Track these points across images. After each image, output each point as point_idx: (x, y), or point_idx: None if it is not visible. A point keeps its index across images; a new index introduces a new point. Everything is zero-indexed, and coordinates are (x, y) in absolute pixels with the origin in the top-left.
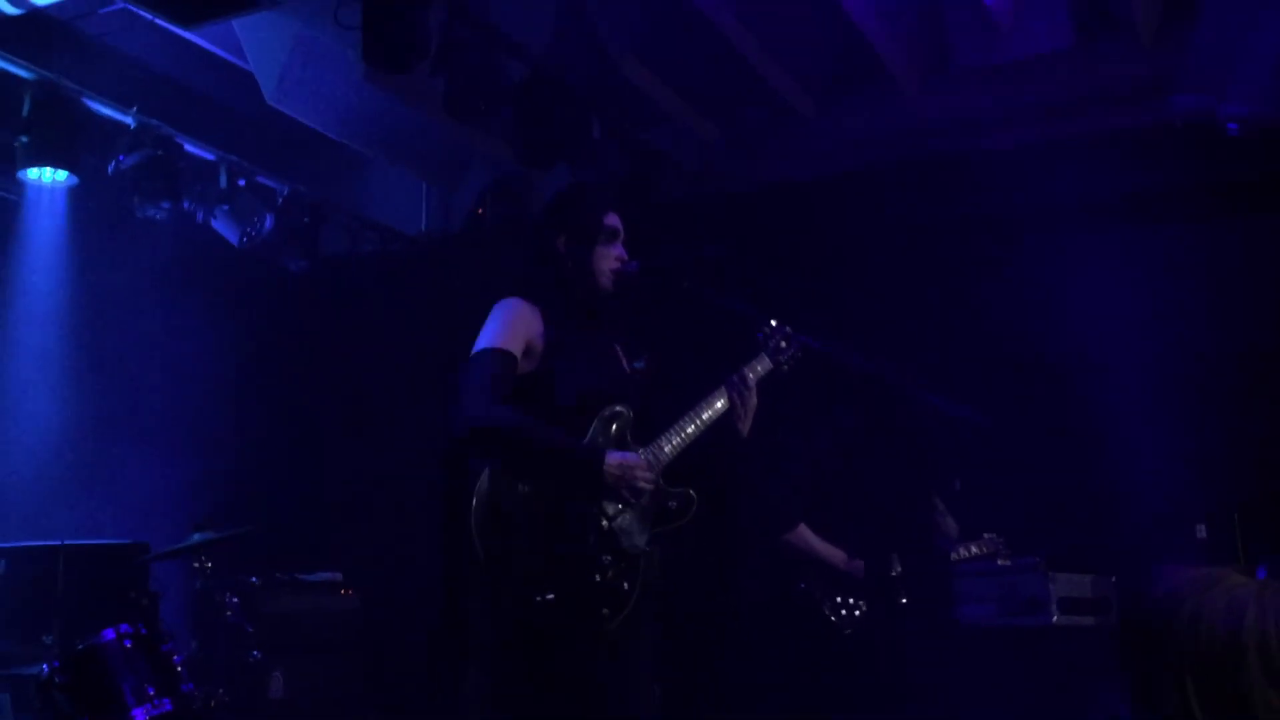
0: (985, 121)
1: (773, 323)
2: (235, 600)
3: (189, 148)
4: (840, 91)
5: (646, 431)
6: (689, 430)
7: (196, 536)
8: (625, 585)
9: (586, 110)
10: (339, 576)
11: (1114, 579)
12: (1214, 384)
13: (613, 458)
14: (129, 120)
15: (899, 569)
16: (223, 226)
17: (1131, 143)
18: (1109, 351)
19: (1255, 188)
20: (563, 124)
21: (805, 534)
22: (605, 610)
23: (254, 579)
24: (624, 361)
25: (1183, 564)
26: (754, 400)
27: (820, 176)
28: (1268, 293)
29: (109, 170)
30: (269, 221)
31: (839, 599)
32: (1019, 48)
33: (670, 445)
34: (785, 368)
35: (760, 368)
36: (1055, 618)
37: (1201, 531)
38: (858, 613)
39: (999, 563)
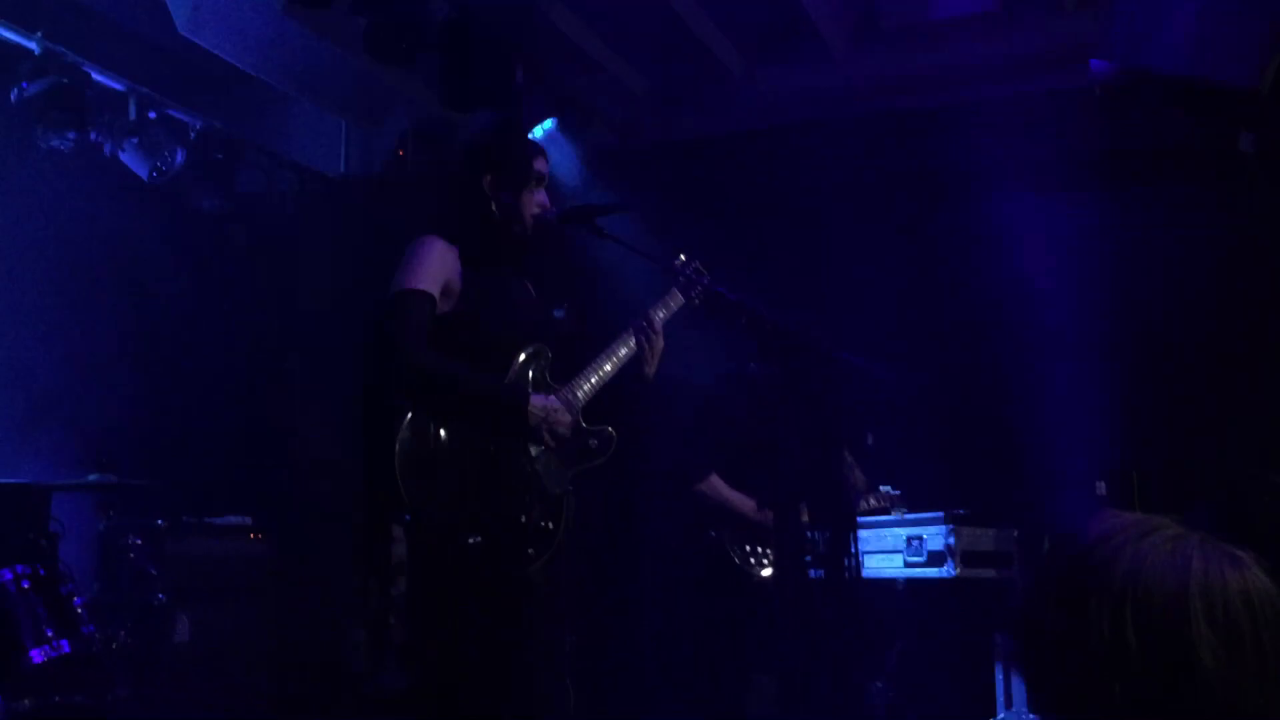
0: (911, 82)
1: (682, 256)
2: (139, 542)
3: (97, 77)
4: (770, 48)
5: (565, 373)
6: (605, 369)
7: (93, 477)
8: (550, 526)
9: (511, 55)
10: (249, 520)
11: (1016, 533)
12: (1122, 347)
13: (535, 399)
14: (33, 46)
15: (806, 520)
16: (132, 160)
17: (1052, 107)
18: (1021, 312)
19: (1173, 155)
20: (487, 68)
21: (716, 483)
22: (530, 551)
23: (160, 521)
24: (541, 303)
25: (1113, 511)
26: (660, 343)
27: (747, 132)
28: (1178, 260)
29: (11, 98)
30: (180, 156)
31: (748, 548)
32: (945, 9)
33: (588, 385)
34: (697, 301)
35: (672, 303)
36: (958, 570)
37: (1101, 489)
38: (766, 561)
39: (896, 514)
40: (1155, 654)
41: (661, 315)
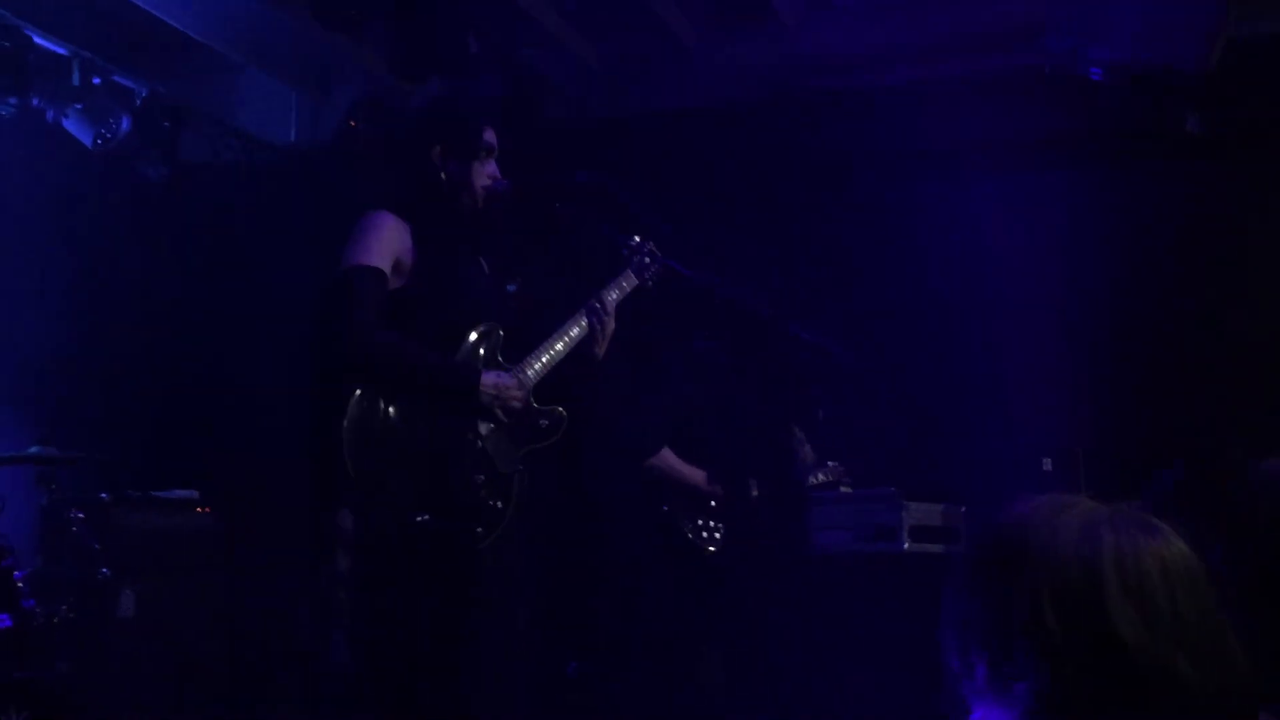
0: (863, 60)
1: (636, 238)
2: (81, 516)
3: (39, 40)
4: (723, 22)
5: (516, 351)
6: (558, 348)
7: (34, 449)
8: (499, 504)
9: (464, 24)
10: (195, 494)
11: (963, 509)
12: (1071, 326)
13: (488, 377)
14: None
15: (756, 494)
16: (75, 127)
17: (1004, 87)
18: (972, 290)
19: (1121, 135)
20: (438, 37)
21: (669, 457)
22: (479, 529)
23: (104, 495)
24: (494, 280)
25: (1033, 492)
26: (612, 325)
27: (700, 107)
28: (1126, 239)
29: None
30: (125, 124)
31: (700, 521)
32: None
33: (539, 364)
34: (650, 283)
35: (625, 284)
36: (906, 545)
37: (1048, 465)
38: (718, 535)
39: (842, 489)
40: (1075, 632)
41: (614, 296)
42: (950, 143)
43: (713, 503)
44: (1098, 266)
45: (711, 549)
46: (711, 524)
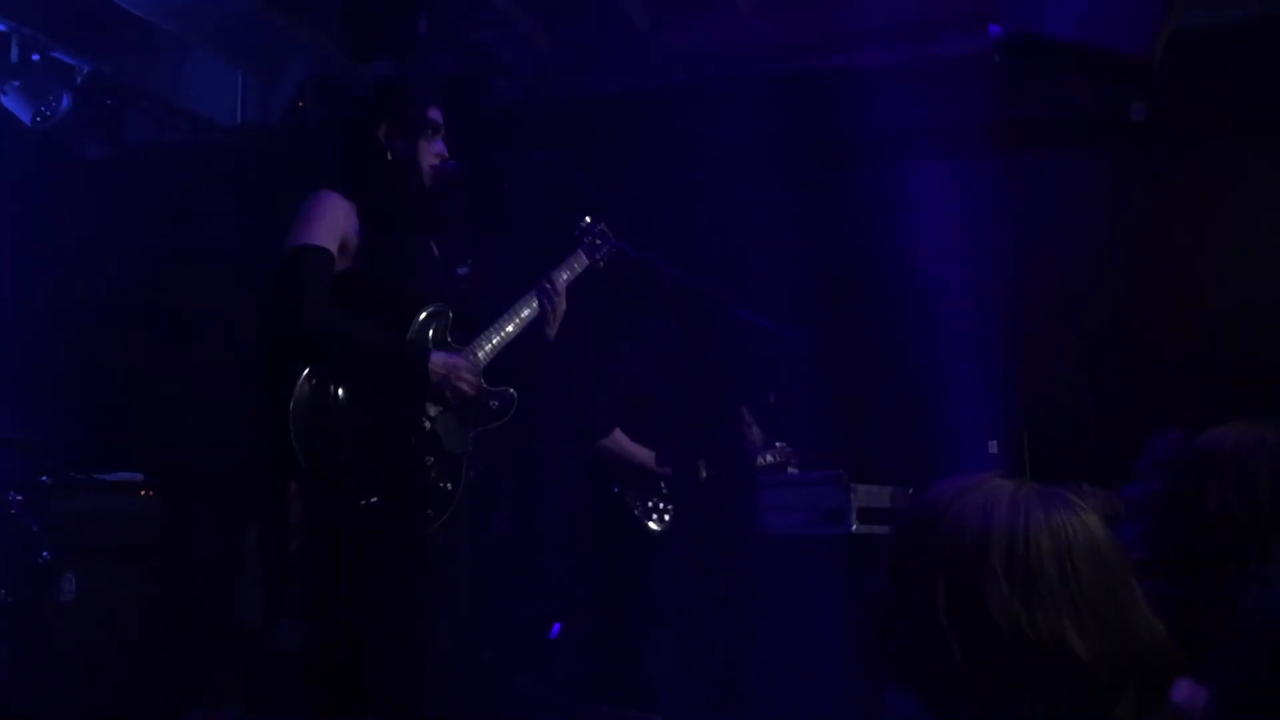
0: (815, 44)
1: (587, 219)
2: (20, 499)
3: None
4: (675, 5)
5: (466, 333)
6: (507, 330)
7: None
8: (449, 486)
9: (413, 4)
10: (139, 477)
11: (911, 490)
12: (1017, 310)
13: (437, 358)
14: None
15: (704, 476)
16: (14, 104)
17: (951, 73)
18: (920, 274)
19: (1067, 121)
20: (388, 16)
21: (619, 438)
22: (429, 511)
23: (45, 478)
24: (443, 261)
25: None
26: (563, 305)
27: (652, 90)
28: (1072, 225)
29: None
30: (66, 101)
31: (649, 503)
32: None
33: (490, 345)
34: (601, 264)
35: (577, 265)
36: (854, 527)
37: (993, 447)
38: (666, 516)
39: (790, 470)
40: (959, 611)
41: (565, 277)
42: (897, 128)
43: (662, 484)
44: (1042, 251)
45: (657, 528)
46: (660, 505)
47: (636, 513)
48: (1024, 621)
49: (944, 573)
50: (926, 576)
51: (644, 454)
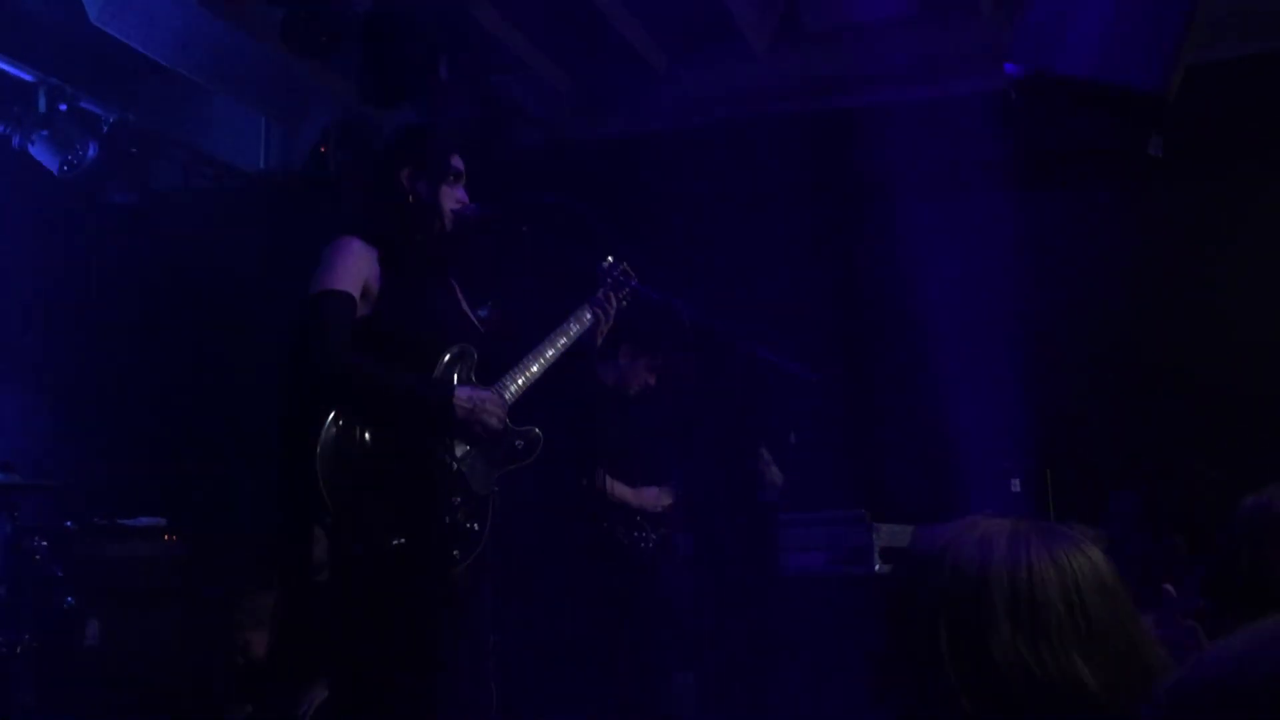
0: (831, 84)
1: (609, 259)
2: (45, 544)
3: (4, 67)
4: (692, 47)
5: (490, 374)
6: (533, 369)
7: None
8: (475, 526)
9: (434, 50)
10: (162, 521)
11: None
12: (1037, 347)
13: (462, 392)
14: None
15: (724, 518)
16: (41, 153)
17: (968, 110)
18: (940, 312)
19: (1084, 157)
20: (408, 63)
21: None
22: (455, 552)
23: (69, 523)
24: (464, 305)
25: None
26: (611, 320)
27: (670, 131)
28: (1091, 261)
29: None
30: (92, 150)
31: (636, 534)
32: (865, 11)
33: (515, 384)
34: (625, 303)
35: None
36: (877, 566)
37: (1016, 485)
38: (650, 544)
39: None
40: (960, 652)
41: (612, 299)
42: (915, 166)
43: (638, 516)
44: (1061, 287)
45: (647, 560)
46: (643, 532)
47: (625, 543)
48: (1031, 663)
49: (945, 619)
50: (927, 623)
51: (624, 491)
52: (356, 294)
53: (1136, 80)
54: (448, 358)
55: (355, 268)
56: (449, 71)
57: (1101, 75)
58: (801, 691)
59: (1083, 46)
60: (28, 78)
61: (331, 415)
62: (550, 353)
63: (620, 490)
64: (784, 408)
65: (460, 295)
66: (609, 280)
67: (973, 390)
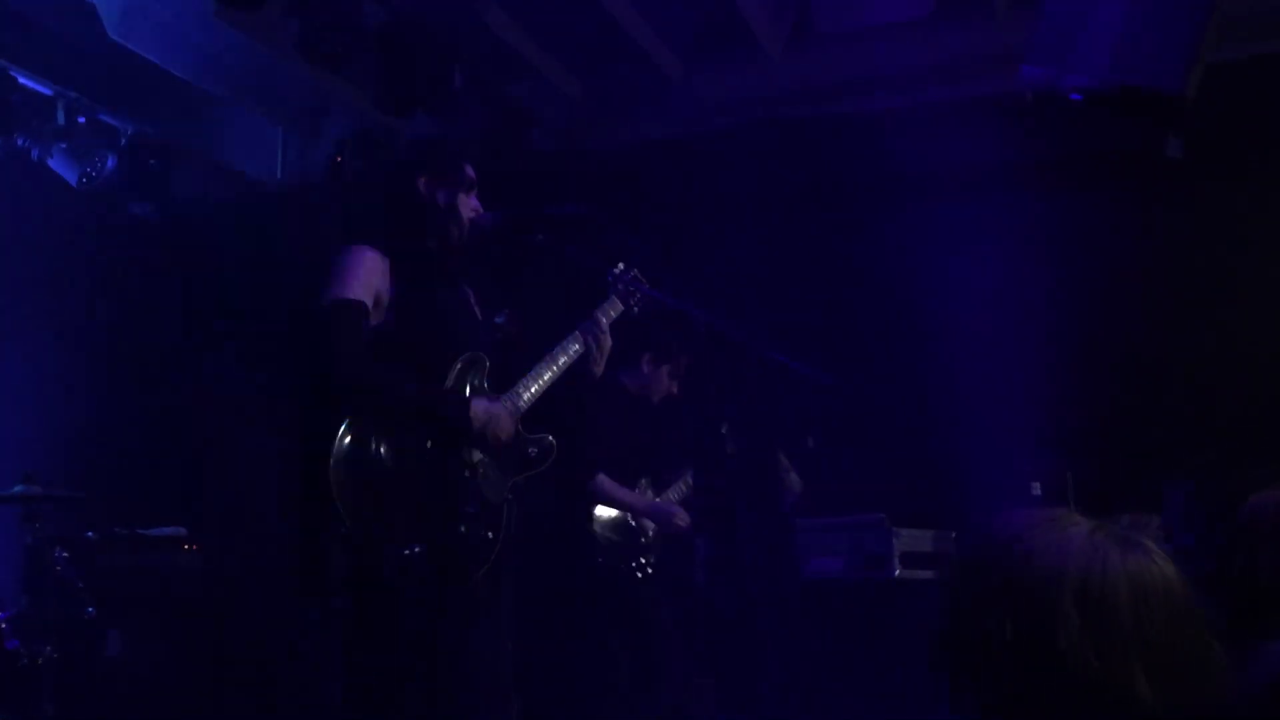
0: (845, 87)
1: (620, 266)
2: (65, 555)
3: (23, 80)
4: (705, 52)
5: (503, 381)
6: (545, 378)
7: (18, 488)
8: (490, 535)
9: (448, 59)
10: (183, 532)
11: (954, 534)
12: (1056, 349)
13: (478, 405)
14: None
15: (743, 523)
16: (60, 166)
17: (985, 114)
18: (957, 315)
19: (1101, 159)
20: (423, 72)
21: (604, 482)
22: (471, 561)
23: (90, 534)
24: (478, 313)
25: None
26: (608, 342)
27: (684, 137)
28: (1108, 263)
29: None
30: (111, 162)
31: (633, 563)
32: (879, 14)
33: (528, 393)
34: (635, 309)
35: (612, 311)
36: (897, 571)
37: (1036, 489)
38: (650, 570)
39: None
40: (1024, 644)
41: (608, 316)
42: (931, 169)
43: (642, 538)
44: (1082, 290)
45: (641, 576)
46: (643, 560)
47: (624, 571)
48: (1094, 662)
49: (1012, 606)
50: (992, 608)
51: (629, 497)
52: (368, 302)
53: (1155, 81)
54: (460, 365)
55: (366, 276)
56: (463, 80)
57: (1119, 76)
58: (822, 696)
59: (1099, 47)
60: (46, 91)
61: (345, 425)
62: (563, 359)
63: (625, 496)
64: (802, 412)
65: (474, 303)
66: (619, 287)
67: (992, 393)
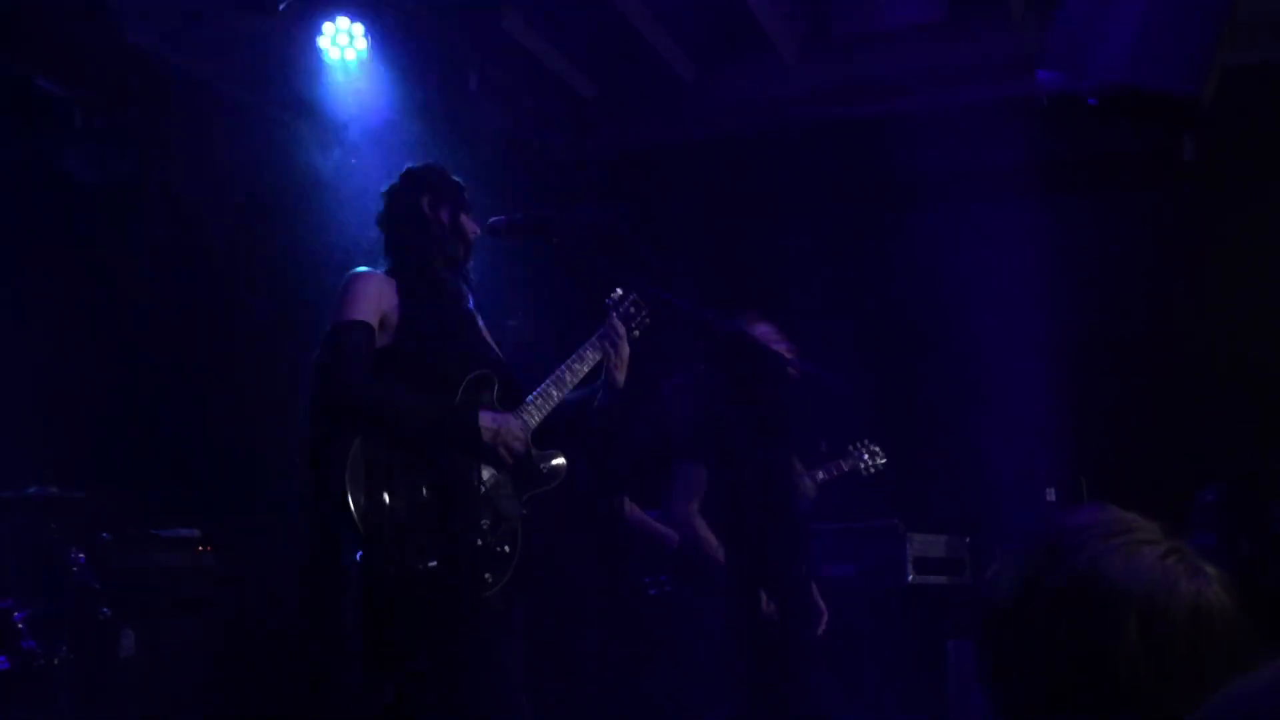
0: (861, 90)
1: (619, 290)
2: (81, 556)
3: (39, 82)
4: (720, 56)
5: (514, 397)
6: (554, 393)
7: (33, 489)
8: (506, 549)
9: (464, 62)
10: (197, 533)
11: (968, 540)
12: (1071, 354)
13: (486, 417)
14: None
15: (759, 532)
16: (78, 168)
17: (1001, 116)
18: (971, 319)
19: (1117, 161)
20: (439, 75)
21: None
22: (488, 575)
23: (105, 534)
24: (484, 331)
25: (1099, 504)
26: (626, 349)
27: (699, 140)
28: (1125, 266)
29: None
30: (128, 164)
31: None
32: (894, 18)
33: (538, 408)
34: (636, 332)
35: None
36: (910, 577)
37: (1051, 495)
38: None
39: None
40: (1079, 652)
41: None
42: (946, 172)
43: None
44: (1096, 293)
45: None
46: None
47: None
48: (1149, 686)
49: (1070, 613)
50: (1055, 606)
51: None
52: (375, 324)
53: (1170, 84)
54: (468, 382)
55: (373, 298)
56: (479, 83)
57: (1134, 79)
58: (835, 700)
59: (1115, 51)
60: (62, 93)
61: (358, 441)
62: (570, 376)
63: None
64: (817, 417)
65: (482, 318)
66: (617, 313)
67: (1006, 398)
